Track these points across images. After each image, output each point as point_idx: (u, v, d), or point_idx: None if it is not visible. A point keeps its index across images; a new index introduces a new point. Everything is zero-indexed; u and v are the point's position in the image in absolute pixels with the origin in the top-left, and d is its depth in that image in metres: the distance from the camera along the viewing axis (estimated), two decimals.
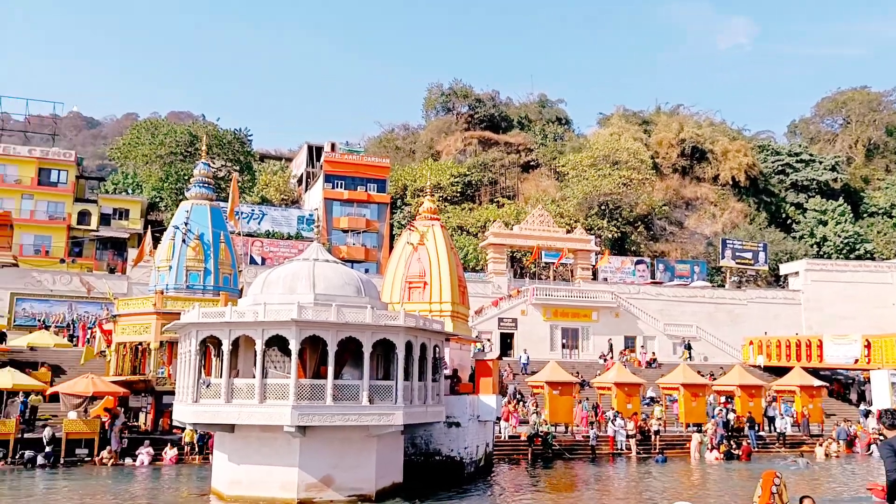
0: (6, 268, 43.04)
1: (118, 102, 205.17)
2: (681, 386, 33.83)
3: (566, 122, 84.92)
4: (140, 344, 30.62)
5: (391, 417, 18.30)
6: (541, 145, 76.00)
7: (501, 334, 48.82)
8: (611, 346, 49.81)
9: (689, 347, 49.82)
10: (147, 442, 26.54)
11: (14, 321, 40.90)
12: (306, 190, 68.64)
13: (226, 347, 18.19)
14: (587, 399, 34.61)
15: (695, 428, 32.75)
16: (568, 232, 56.43)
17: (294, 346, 17.67)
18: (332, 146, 66.23)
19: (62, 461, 25.32)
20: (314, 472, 18.00)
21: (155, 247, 34.61)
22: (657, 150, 75.02)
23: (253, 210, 57.22)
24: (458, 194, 66.74)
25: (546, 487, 23.29)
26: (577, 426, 32.19)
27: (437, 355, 21.29)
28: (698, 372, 37.95)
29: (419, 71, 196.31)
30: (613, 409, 32.57)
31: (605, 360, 46.01)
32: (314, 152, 69.43)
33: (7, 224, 47.87)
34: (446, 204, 63.13)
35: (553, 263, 56.19)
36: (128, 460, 25.81)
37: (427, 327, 20.10)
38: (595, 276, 56.97)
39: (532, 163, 74.73)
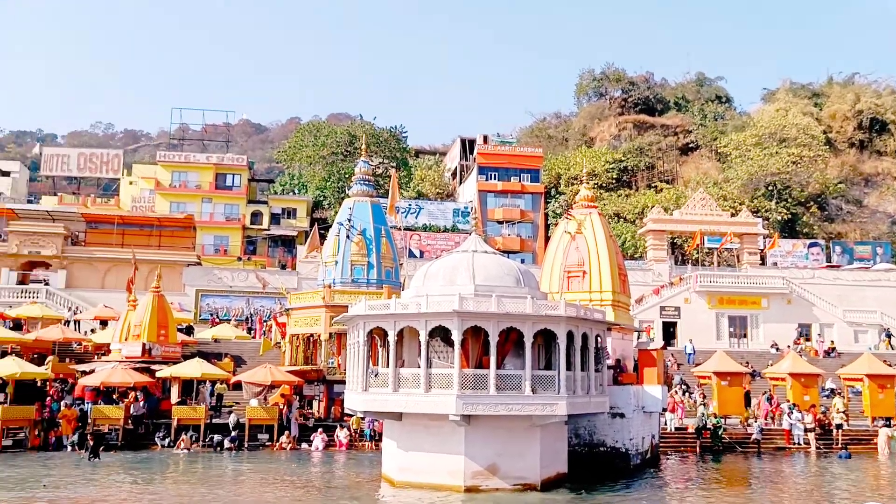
0: (191, 266, 46.74)
1: (282, 108, 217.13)
2: (865, 377, 31.42)
3: (726, 100, 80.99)
4: (311, 335, 32.30)
5: (554, 407, 18.24)
6: (700, 126, 72.91)
7: (664, 323, 47.38)
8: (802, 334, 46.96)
9: (889, 336, 46.02)
10: (321, 429, 27.99)
11: (199, 315, 44.37)
12: (460, 183, 69.65)
13: (391, 338, 18.83)
14: (764, 392, 32.81)
15: (883, 422, 30.31)
16: (732, 215, 53.83)
17: (456, 337, 18.00)
18: (485, 139, 66.78)
19: (246, 445, 27.20)
20: (480, 461, 18.28)
21: (321, 243, 36.34)
22: (830, 125, 69.96)
23: (410, 205, 58.78)
24: (614, 181, 65.36)
25: (717, 482, 22.39)
26: (756, 420, 30.56)
27: (598, 345, 20.98)
28: (885, 361, 35.07)
29: (570, 58, 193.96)
30: (789, 401, 30.75)
31: (778, 349, 43.49)
32: (467, 146, 70.30)
33: (190, 226, 51.95)
34: (602, 191, 61.99)
35: (717, 249, 53.81)
36: (304, 445, 27.36)
37: (588, 317, 19.85)
38: (763, 261, 54.01)
39: (691, 145, 71.87)
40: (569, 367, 19.09)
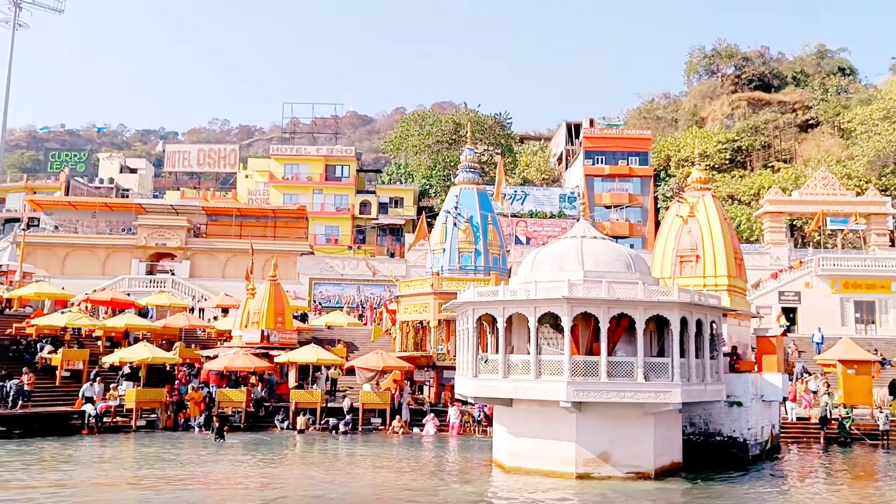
0: (304, 255, 48.31)
1: (388, 99, 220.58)
2: None
3: (850, 72, 76.36)
4: (421, 322, 32.81)
5: (668, 395, 17.86)
6: (821, 101, 69.15)
7: (783, 309, 45.35)
8: None
9: None
10: (432, 413, 28.45)
11: (313, 303, 45.83)
12: (566, 168, 68.85)
13: (500, 325, 18.90)
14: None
15: None
16: (858, 195, 50.86)
17: (566, 323, 17.88)
18: (591, 122, 65.69)
19: (360, 428, 28.00)
20: (591, 448, 18.13)
21: (428, 231, 36.79)
22: None
23: (516, 191, 58.61)
24: (727, 161, 62.99)
25: (842, 475, 21.34)
26: (882, 411, 28.91)
27: (713, 332, 20.36)
28: None
29: (679, 35, 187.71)
30: None
31: None
32: (573, 130, 69.36)
33: (303, 217, 53.66)
34: (714, 172, 59.86)
35: (841, 230, 51.00)
36: (416, 430, 27.90)
37: (702, 302, 19.30)
38: (893, 243, 50.78)
39: (811, 121, 68.30)
40: (682, 354, 18.64)
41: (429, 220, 40.31)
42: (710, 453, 21.32)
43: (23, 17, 57.25)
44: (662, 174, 62.47)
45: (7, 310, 35.47)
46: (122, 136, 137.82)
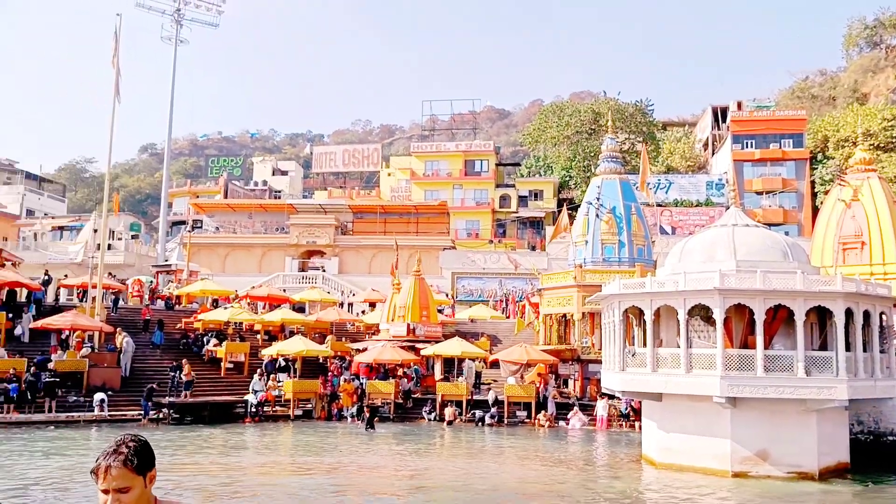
0: (446, 250, 49.10)
1: (524, 92, 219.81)
2: None
3: None
4: (564, 315, 32.56)
5: (832, 391, 16.80)
6: None
7: None
8: None
9: None
10: (578, 408, 28.19)
11: (456, 296, 46.51)
12: (713, 154, 66.04)
13: (648, 317, 18.44)
14: None
15: None
16: None
17: (718, 315, 17.20)
18: (739, 105, 62.59)
19: (506, 421, 28.16)
20: (748, 445, 17.35)
21: (570, 223, 36.41)
22: None
23: (659, 180, 56.86)
24: (894, 140, 58.22)
25: None
26: None
27: (883, 324, 18.95)
28: None
29: (834, 7, 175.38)
30: None
31: None
32: (719, 114, 66.42)
33: (444, 212, 54.55)
34: (880, 152, 55.46)
35: None
36: (561, 423, 27.74)
37: (870, 292, 17.99)
38: None
39: None
40: (848, 347, 17.46)
41: (569, 211, 39.82)
42: (880, 454, 19.85)
43: (182, 33, 61.58)
44: (819, 156, 58.61)
45: (176, 306, 38.31)
46: (272, 140, 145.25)
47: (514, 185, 63.48)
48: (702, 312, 18.07)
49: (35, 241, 56.88)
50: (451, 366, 31.70)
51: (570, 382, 31.03)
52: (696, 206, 54.47)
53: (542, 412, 28.02)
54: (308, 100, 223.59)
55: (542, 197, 62.31)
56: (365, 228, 52.34)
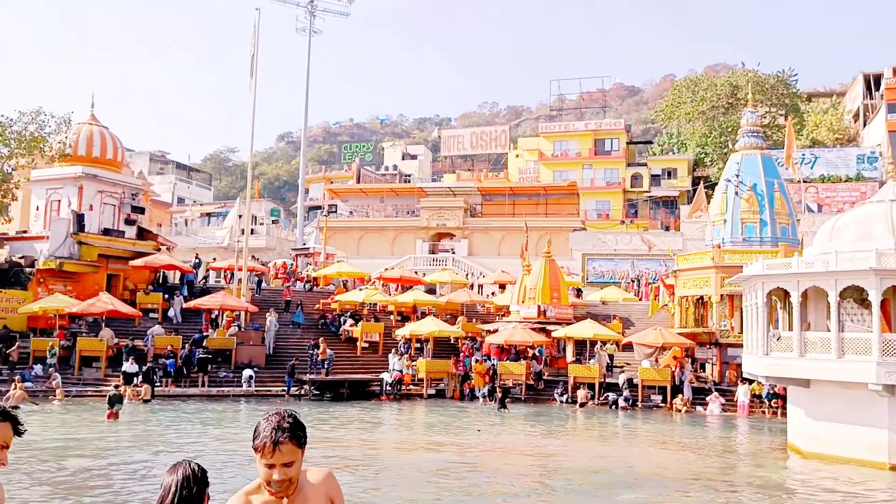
0: (576, 231, 48.49)
1: (655, 67, 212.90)
2: None
3: None
4: (701, 297, 31.46)
5: None
6: None
7: None
8: None
9: None
10: (716, 392, 27.24)
11: (587, 279, 45.91)
12: (864, 125, 61.55)
13: (795, 300, 17.50)
14: None
15: None
16: None
17: (874, 298, 16.08)
18: (894, 71, 57.93)
19: (639, 405, 27.62)
20: None
21: (706, 202, 35.04)
22: None
23: (804, 154, 53.64)
24: None
25: None
26: None
27: None
28: None
29: None
30: None
31: None
32: (871, 82, 61.77)
33: (574, 193, 53.84)
34: None
35: None
36: (699, 409, 26.90)
37: None
38: None
39: None
40: None
41: (706, 190, 38.33)
42: None
43: (315, 24, 63.62)
44: None
45: (315, 287, 39.91)
46: (401, 125, 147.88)
47: (645, 164, 61.76)
48: (855, 294, 16.97)
49: (186, 226, 60.78)
50: (583, 348, 31.37)
51: (708, 366, 29.99)
52: (846, 181, 51.07)
53: (679, 396, 27.28)
54: (435, 84, 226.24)
55: (675, 175, 60.30)
56: (494, 210, 52.48)
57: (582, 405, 27.46)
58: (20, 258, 34.49)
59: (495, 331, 31.92)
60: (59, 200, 36.43)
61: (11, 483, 12.59)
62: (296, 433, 2.78)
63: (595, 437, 22.20)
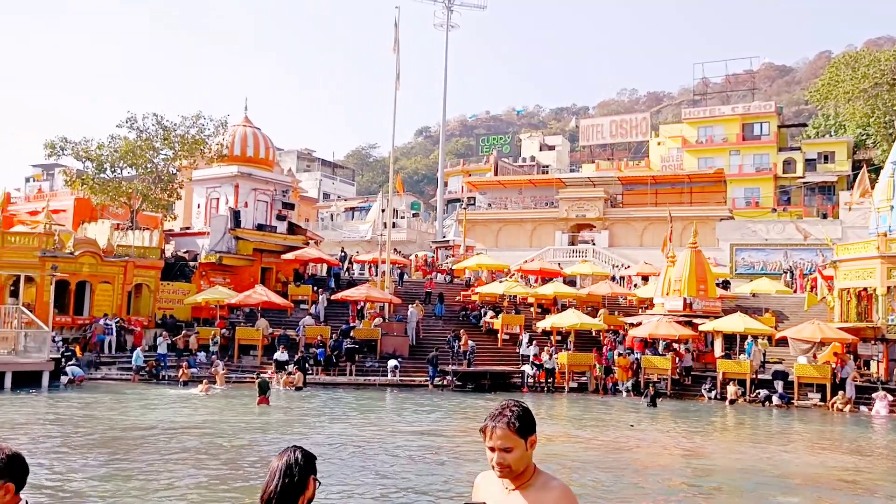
0: (724, 221, 46.45)
1: (808, 44, 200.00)
2: None
3: None
4: (864, 289, 29.37)
5: None
6: None
7: None
8: None
9: None
10: (884, 392, 25.36)
11: (735, 270, 43.88)
12: None
13: None
14: None
15: None
16: None
17: None
18: None
19: (795, 403, 26.15)
20: None
21: (871, 187, 32.62)
22: None
23: None
24: None
25: None
26: None
27: None
28: None
29: None
30: None
31: None
32: None
33: (720, 180, 51.59)
34: None
35: None
36: (863, 409, 25.15)
37: None
38: None
39: None
40: None
41: (870, 174, 35.63)
42: None
43: (452, 18, 64.31)
44: None
45: (455, 280, 40.44)
46: (538, 116, 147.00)
47: (799, 148, 58.21)
48: None
49: (331, 221, 63.24)
50: (732, 342, 30.06)
51: (873, 364, 27.96)
52: None
53: (839, 395, 25.60)
54: (572, 73, 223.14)
55: (832, 159, 56.46)
56: (635, 200, 51.15)
57: (732, 402, 26.34)
58: (184, 253, 37.11)
59: (639, 324, 31.18)
60: (218, 198, 38.87)
61: (177, 462, 13.61)
62: (513, 421, 2.87)
63: (747, 437, 21.22)
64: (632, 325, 31.87)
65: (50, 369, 24.89)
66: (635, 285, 40.94)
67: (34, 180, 57.43)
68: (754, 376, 27.51)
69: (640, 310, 35.19)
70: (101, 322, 30.44)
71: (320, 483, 2.84)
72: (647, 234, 47.85)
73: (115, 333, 30.51)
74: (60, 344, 27.79)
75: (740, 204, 54.89)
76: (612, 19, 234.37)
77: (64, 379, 25.19)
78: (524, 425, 2.89)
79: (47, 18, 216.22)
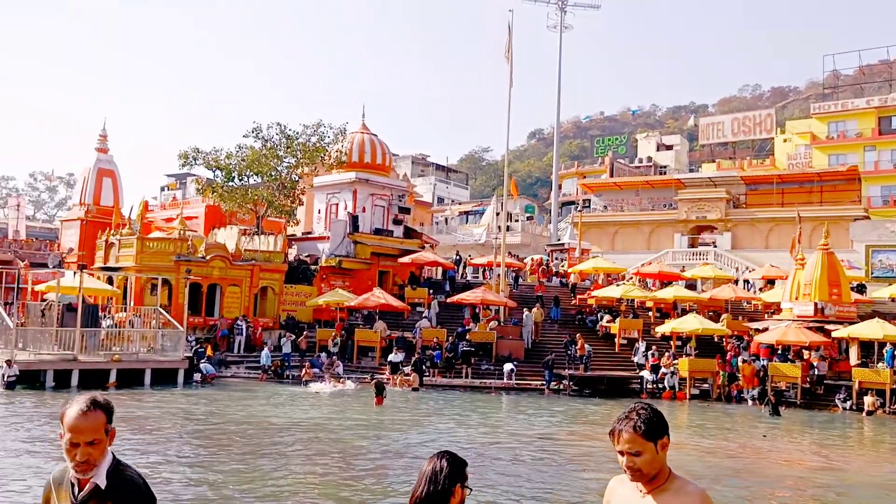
0: (858, 221, 43.80)
1: None
2: None
3: None
4: None
5: None
6: None
7: None
8: None
9: None
10: None
11: (871, 273, 41.27)
12: None
13: None
14: None
15: None
16: None
17: None
18: None
19: None
20: None
21: None
22: None
23: None
24: None
25: None
26: None
27: None
28: None
29: None
30: None
31: None
32: None
33: (854, 178, 48.72)
34: None
35: None
36: None
37: None
38: None
39: None
40: None
41: None
42: None
43: (566, 19, 63.79)
44: None
45: (570, 283, 40.00)
46: (654, 115, 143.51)
47: None
48: None
49: (446, 224, 63.94)
50: (869, 350, 28.27)
51: None
52: None
53: None
54: (690, 70, 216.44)
55: None
56: (759, 200, 48.95)
57: (869, 413, 24.77)
58: (306, 256, 38.48)
59: (765, 329, 29.82)
60: (337, 204, 40.09)
61: (298, 455, 14.11)
62: (639, 425, 2.84)
63: (887, 451, 19.91)
64: (757, 330, 30.52)
65: (185, 367, 26.39)
66: (760, 289, 39.22)
67: (168, 189, 61.12)
68: (895, 386, 25.75)
69: (766, 315, 33.66)
70: (234, 322, 32.13)
71: (471, 490, 2.82)
72: (773, 236, 45.74)
73: (244, 334, 32.01)
74: (193, 343, 29.39)
75: (877, 203, 51.56)
76: (732, 13, 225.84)
77: (197, 376, 26.64)
78: (651, 429, 2.84)
79: (180, 38, 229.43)
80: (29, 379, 23.58)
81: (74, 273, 28.39)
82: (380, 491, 11.81)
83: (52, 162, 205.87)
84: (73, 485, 2.87)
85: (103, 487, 2.84)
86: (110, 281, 31.94)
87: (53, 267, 37.68)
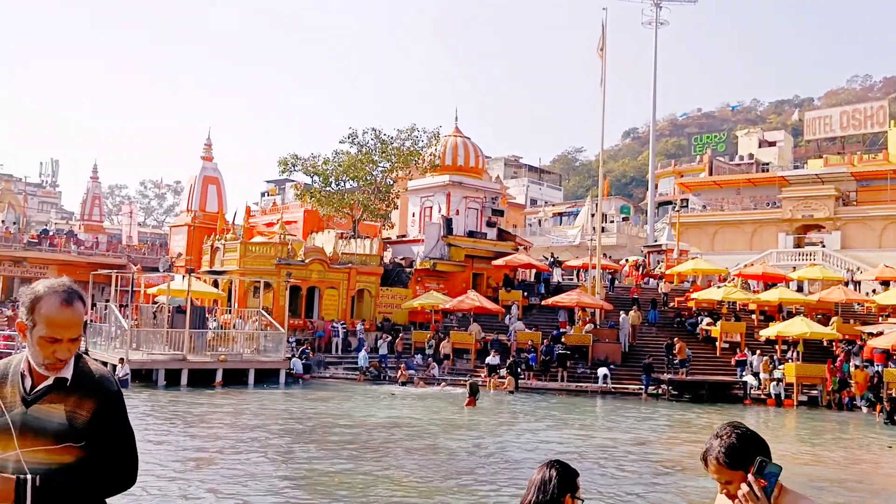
0: None
1: None
2: None
3: None
4: None
5: None
6: None
7: None
8: None
9: None
10: None
11: None
12: None
13: None
14: None
15: None
16: None
17: None
18: None
19: None
20: None
21: None
22: None
23: None
24: None
25: None
26: None
27: None
28: None
29: None
30: None
31: None
32: None
33: None
34: None
35: None
36: None
37: None
38: None
39: None
40: None
41: None
42: None
43: (661, 15, 62.39)
44: None
45: (668, 285, 39.04)
46: (755, 110, 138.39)
47: None
48: None
49: (539, 226, 63.54)
50: None
51: None
52: None
53: None
54: (793, 63, 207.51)
55: None
56: (872, 198, 46.44)
57: None
58: (401, 259, 39.01)
59: (879, 333, 28.27)
60: (431, 207, 40.47)
61: (383, 453, 14.29)
62: (720, 455, 2.60)
63: None
64: (871, 334, 28.98)
65: (286, 367, 27.22)
66: (874, 291, 37.20)
67: (268, 195, 63.20)
68: None
69: (881, 318, 31.92)
70: (332, 325, 32.97)
71: (582, 501, 2.75)
72: (887, 235, 43.34)
73: (340, 336, 32.75)
74: (294, 344, 30.27)
75: None
76: (838, 1, 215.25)
77: (305, 375, 27.60)
78: (736, 457, 2.58)
79: (279, 50, 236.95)
80: (142, 377, 24.83)
81: (183, 277, 29.72)
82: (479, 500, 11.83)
83: (160, 170, 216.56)
84: (23, 377, 2.49)
85: (69, 380, 2.48)
86: (216, 284, 33.28)
87: (164, 271, 39.56)
